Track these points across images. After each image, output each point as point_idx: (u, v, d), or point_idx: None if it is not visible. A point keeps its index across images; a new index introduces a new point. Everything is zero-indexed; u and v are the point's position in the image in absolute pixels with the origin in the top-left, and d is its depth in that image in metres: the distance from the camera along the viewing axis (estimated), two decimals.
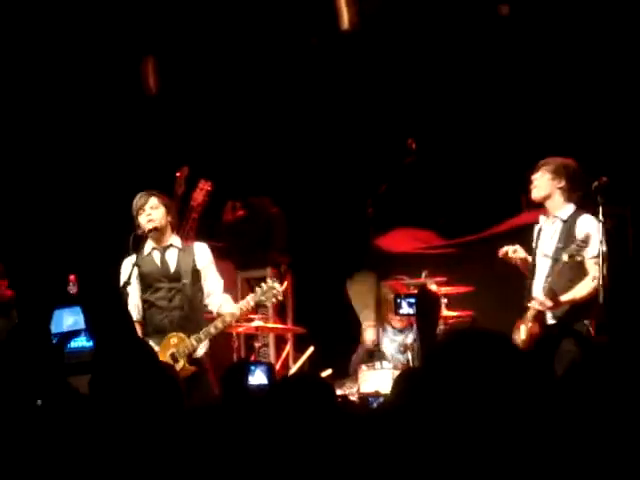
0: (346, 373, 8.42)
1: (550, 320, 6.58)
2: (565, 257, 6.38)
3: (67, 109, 10.22)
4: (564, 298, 6.49)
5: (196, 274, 6.96)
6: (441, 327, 7.52)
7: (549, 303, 6.46)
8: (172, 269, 6.97)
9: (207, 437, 3.22)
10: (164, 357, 6.65)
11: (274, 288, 6.92)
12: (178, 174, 8.57)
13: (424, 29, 9.30)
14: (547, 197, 6.77)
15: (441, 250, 9.22)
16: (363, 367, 7.60)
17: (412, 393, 2.82)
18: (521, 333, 6.55)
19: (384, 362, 7.70)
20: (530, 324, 6.54)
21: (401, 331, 8.27)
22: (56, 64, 9.98)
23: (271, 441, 3.00)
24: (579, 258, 6.39)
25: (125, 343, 4.44)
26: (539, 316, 6.53)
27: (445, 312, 7.92)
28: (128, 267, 6.97)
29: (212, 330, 6.82)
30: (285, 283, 9.41)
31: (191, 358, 6.81)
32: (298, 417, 3.00)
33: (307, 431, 2.99)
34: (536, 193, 6.83)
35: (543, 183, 6.76)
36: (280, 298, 7.02)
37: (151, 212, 6.96)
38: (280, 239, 9.60)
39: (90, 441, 3.47)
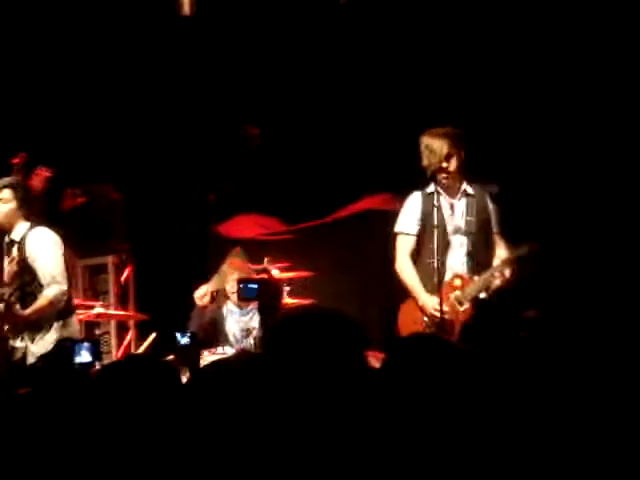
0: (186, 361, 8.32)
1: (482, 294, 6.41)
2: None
3: None
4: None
5: (28, 267, 6.71)
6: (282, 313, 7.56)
7: (507, 275, 6.34)
8: (13, 268, 6.79)
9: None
10: None
11: None
12: (15, 160, 8.38)
13: (263, 12, 9.34)
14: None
15: (283, 236, 9.27)
16: (205, 352, 7.55)
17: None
18: (451, 312, 6.35)
19: (227, 347, 7.67)
20: (467, 304, 6.34)
21: (246, 313, 8.18)
22: None
23: (109, 425, 2.97)
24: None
25: None
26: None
27: (287, 299, 7.96)
28: None
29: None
30: (127, 271, 9.33)
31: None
32: (138, 397, 2.98)
33: (147, 412, 2.97)
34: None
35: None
36: None
37: None
38: (121, 226, 9.50)
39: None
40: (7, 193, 6.77)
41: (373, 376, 2.71)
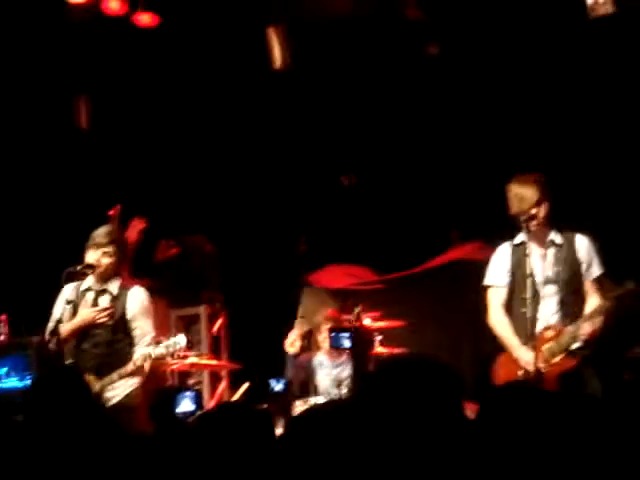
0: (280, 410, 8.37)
1: (575, 344, 6.28)
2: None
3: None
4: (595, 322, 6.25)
5: (123, 323, 6.87)
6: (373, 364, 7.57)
7: (596, 330, 6.21)
8: (103, 320, 6.88)
9: (140, 467, 3.23)
10: None
11: (178, 344, 6.83)
12: (111, 212, 8.55)
13: (357, 65, 9.42)
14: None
15: (374, 286, 9.28)
16: (297, 402, 7.59)
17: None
18: (542, 365, 6.25)
19: (318, 398, 7.68)
20: (560, 355, 6.22)
21: (338, 365, 8.19)
22: None
23: (206, 471, 3.00)
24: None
25: (58, 381, 4.45)
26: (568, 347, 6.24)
27: (379, 349, 7.95)
28: (61, 303, 6.93)
29: (115, 376, 6.74)
30: (220, 320, 9.42)
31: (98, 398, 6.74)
32: (234, 446, 3.00)
33: (244, 460, 2.98)
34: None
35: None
36: (181, 352, 6.91)
37: (100, 259, 6.85)
38: (214, 276, 9.61)
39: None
40: (112, 248, 6.90)
41: (469, 426, 2.69)
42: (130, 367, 6.74)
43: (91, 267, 6.89)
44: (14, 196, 10.16)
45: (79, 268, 6.94)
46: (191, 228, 9.79)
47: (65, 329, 6.87)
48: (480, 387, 7.48)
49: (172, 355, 6.85)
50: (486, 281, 6.65)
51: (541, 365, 6.24)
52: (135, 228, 8.56)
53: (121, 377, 6.76)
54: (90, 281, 7.00)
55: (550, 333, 6.30)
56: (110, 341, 6.85)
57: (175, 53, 9.53)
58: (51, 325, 6.92)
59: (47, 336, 6.89)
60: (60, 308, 6.94)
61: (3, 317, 8.31)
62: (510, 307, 6.53)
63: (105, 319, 6.83)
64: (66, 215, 9.95)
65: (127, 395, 6.83)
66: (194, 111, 9.98)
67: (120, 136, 10.17)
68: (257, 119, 9.93)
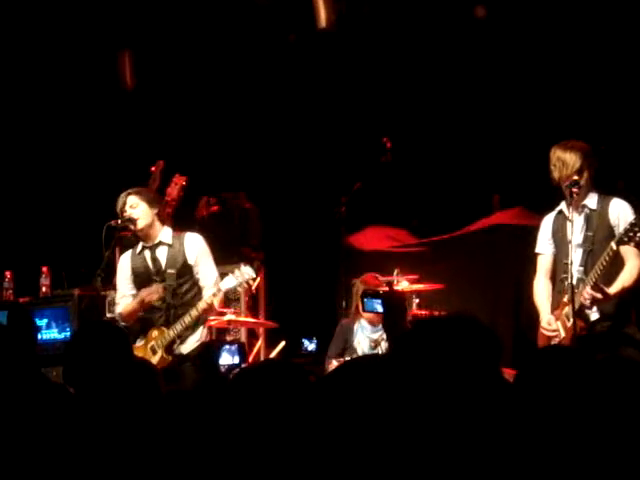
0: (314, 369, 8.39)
1: (594, 315, 6.23)
2: (614, 245, 6.03)
3: (42, 103, 10.22)
4: (614, 290, 6.15)
5: (187, 268, 6.96)
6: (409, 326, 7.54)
7: (600, 296, 6.09)
8: (163, 268, 6.98)
9: (183, 421, 3.26)
10: (145, 350, 6.75)
11: (247, 273, 6.87)
12: (153, 168, 8.58)
13: (401, 29, 9.37)
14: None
15: (414, 249, 9.28)
16: (334, 362, 7.62)
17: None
18: (561, 330, 6.26)
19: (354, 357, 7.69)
20: (572, 320, 6.14)
21: (378, 329, 8.18)
22: (32, 59, 9.97)
23: (245, 424, 3.01)
24: (632, 244, 6.01)
25: (99, 334, 4.49)
26: (581, 311, 6.19)
27: (416, 311, 7.95)
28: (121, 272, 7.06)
29: (187, 319, 6.83)
30: (258, 279, 9.44)
31: (171, 349, 6.83)
32: (272, 400, 3.01)
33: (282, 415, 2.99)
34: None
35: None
36: (252, 282, 6.98)
37: (131, 212, 6.91)
38: (254, 235, 9.61)
39: (66, 430, 3.50)
40: (134, 199, 6.96)
41: (506, 388, 2.68)
42: (202, 305, 6.81)
43: (131, 220, 6.95)
44: (58, 150, 10.23)
45: (120, 222, 7.00)
46: (232, 186, 9.80)
47: (132, 307, 6.99)
48: (519, 351, 7.51)
49: (243, 284, 6.88)
50: (535, 249, 6.68)
51: (559, 328, 6.27)
52: (176, 185, 8.57)
53: (193, 318, 6.83)
54: (141, 244, 7.07)
55: (567, 298, 6.25)
56: (175, 291, 6.93)
57: (220, 8, 9.52)
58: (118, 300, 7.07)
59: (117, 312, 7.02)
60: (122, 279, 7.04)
61: (45, 269, 8.40)
62: (556, 273, 6.53)
63: (156, 296, 6.87)
64: (109, 170, 10.02)
65: (193, 349, 6.91)
66: (236, 68, 9.97)
67: (163, 93, 10.19)
68: (301, 78, 9.91)
